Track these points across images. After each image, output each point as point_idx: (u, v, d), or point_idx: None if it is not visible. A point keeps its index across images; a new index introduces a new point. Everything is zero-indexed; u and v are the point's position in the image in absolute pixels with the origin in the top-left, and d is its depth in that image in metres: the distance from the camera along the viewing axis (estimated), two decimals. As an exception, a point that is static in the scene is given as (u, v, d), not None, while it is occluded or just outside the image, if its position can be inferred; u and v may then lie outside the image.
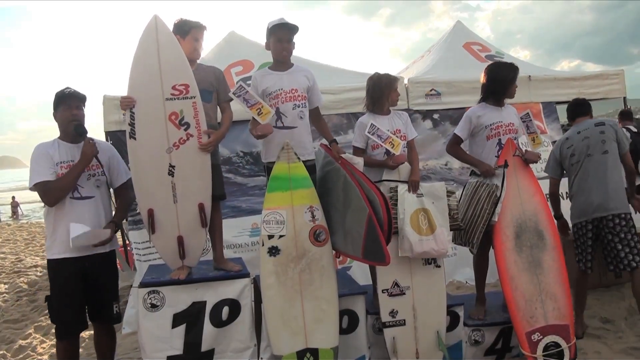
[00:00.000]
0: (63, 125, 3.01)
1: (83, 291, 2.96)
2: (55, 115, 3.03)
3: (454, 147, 3.53)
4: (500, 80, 3.42)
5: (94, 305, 3.03)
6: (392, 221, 2.86)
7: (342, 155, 3.07)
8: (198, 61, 3.25)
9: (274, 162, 3.04)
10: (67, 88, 3.00)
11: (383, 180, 3.18)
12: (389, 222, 2.79)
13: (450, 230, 3.17)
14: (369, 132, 3.17)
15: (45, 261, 3.11)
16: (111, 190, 3.20)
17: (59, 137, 3.04)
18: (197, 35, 3.12)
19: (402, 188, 3.14)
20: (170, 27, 3.01)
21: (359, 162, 3.08)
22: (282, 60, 3.21)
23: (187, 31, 3.10)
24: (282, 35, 3.14)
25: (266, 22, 3.21)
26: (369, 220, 2.71)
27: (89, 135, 3.01)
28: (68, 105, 2.97)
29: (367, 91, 3.37)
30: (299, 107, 3.15)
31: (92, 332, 3.37)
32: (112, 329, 3.20)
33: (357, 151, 3.30)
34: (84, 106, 3.05)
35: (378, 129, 3.17)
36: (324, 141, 3.35)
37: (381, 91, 3.30)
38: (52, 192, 2.89)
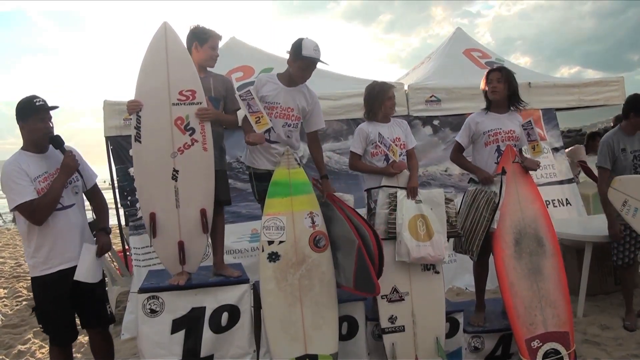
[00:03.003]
0: (34, 137, 2.83)
1: (73, 299, 2.90)
2: (23, 126, 2.82)
3: (456, 154, 3.57)
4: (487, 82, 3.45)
5: (89, 310, 2.97)
6: (383, 255, 2.88)
7: (334, 194, 3.11)
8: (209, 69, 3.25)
9: (255, 169, 3.13)
10: (36, 98, 2.80)
11: (383, 186, 3.20)
12: (379, 256, 2.83)
13: (449, 237, 3.18)
14: (379, 142, 3.23)
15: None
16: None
17: (25, 149, 2.85)
18: (214, 43, 3.14)
19: (401, 194, 3.15)
20: (179, 33, 3.01)
21: (349, 199, 3.16)
22: (296, 82, 3.17)
23: (206, 39, 3.12)
24: (311, 67, 3.09)
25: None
26: (359, 251, 2.77)
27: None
28: (41, 118, 2.81)
29: (364, 99, 3.40)
30: (289, 126, 3.15)
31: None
32: (108, 332, 3.15)
33: (355, 156, 3.33)
34: None
35: (384, 137, 3.24)
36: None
37: (374, 99, 3.31)
38: (40, 211, 2.71)
